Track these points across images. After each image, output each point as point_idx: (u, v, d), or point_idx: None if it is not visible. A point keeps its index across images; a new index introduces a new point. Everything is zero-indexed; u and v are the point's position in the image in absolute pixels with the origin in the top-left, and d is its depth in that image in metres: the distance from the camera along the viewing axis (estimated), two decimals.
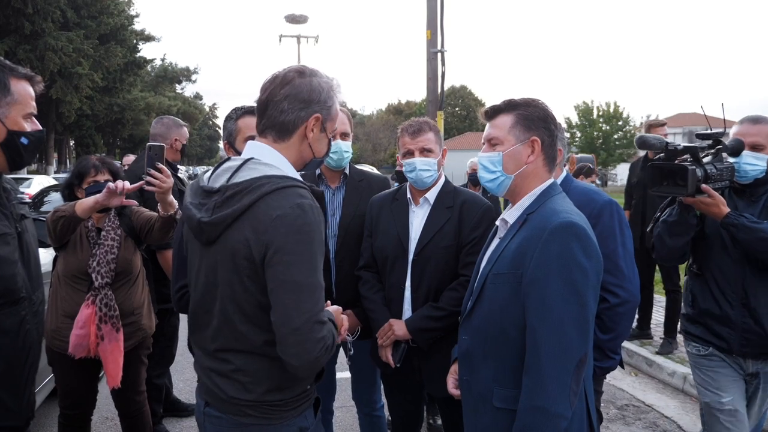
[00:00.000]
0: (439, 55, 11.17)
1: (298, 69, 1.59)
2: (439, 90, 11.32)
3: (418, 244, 2.37)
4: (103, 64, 29.61)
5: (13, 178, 19.40)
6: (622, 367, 2.47)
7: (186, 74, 54.93)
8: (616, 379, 4.91)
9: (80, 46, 27.44)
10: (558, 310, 1.50)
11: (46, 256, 3.08)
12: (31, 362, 1.74)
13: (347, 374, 2.89)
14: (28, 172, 26.89)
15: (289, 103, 1.54)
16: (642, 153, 5.88)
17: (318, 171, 2.66)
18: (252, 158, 1.54)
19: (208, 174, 1.61)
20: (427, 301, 2.35)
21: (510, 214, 1.75)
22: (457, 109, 66.89)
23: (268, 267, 1.40)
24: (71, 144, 40.97)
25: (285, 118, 1.54)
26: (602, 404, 4.39)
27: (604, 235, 2.13)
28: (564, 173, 2.34)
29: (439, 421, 3.42)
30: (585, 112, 44.83)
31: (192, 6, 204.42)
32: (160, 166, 2.40)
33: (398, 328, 2.36)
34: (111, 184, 2.39)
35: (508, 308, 1.61)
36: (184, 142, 3.65)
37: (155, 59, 44.52)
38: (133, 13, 35.95)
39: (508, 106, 1.73)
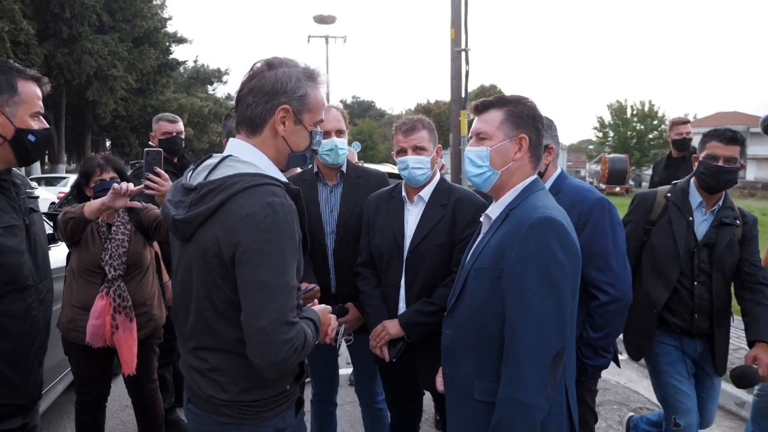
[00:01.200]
0: (463, 53, 11.15)
1: (268, 61, 1.55)
2: (463, 89, 11.32)
3: (412, 242, 2.40)
4: (137, 66, 30.35)
5: (51, 178, 20.08)
6: (617, 365, 2.45)
7: (217, 75, 55.74)
8: (632, 381, 4.85)
9: (115, 49, 28.20)
10: (536, 304, 1.52)
11: (60, 252, 3.23)
12: (37, 346, 1.84)
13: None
14: (66, 172, 27.79)
15: (254, 97, 1.51)
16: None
17: (315, 169, 2.71)
18: (230, 155, 1.53)
19: (191, 171, 1.61)
20: (420, 297, 2.37)
21: (493, 210, 1.78)
22: None
23: (237, 266, 1.39)
24: (108, 144, 42.10)
25: (251, 112, 1.52)
26: (614, 406, 4.35)
27: (595, 232, 2.13)
28: (558, 170, 2.35)
29: None
30: (618, 111, 43.96)
31: (223, 8, 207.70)
32: (158, 170, 2.48)
33: (391, 327, 2.38)
34: (116, 185, 2.48)
35: (488, 303, 1.64)
36: (161, 137, 3.67)
37: (187, 61, 45.36)
38: (166, 15, 36.78)
39: (499, 102, 1.76)
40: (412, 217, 2.46)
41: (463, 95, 11.30)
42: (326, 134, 2.56)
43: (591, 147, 60.10)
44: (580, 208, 2.16)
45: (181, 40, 39.48)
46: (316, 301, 1.80)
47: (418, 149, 2.38)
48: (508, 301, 1.57)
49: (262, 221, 1.37)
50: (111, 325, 2.69)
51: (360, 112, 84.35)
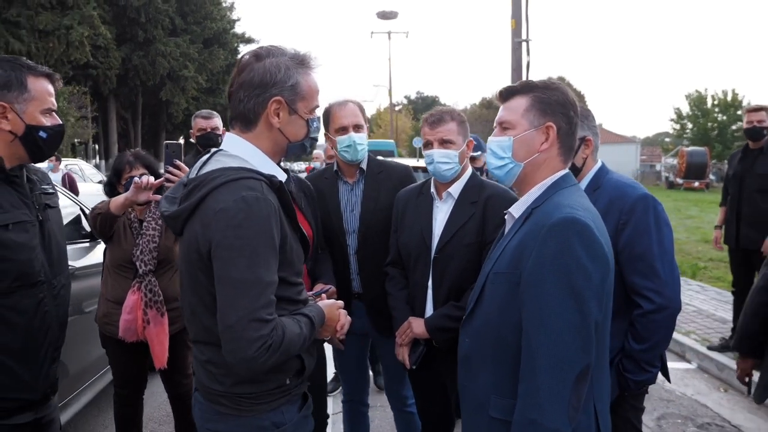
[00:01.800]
0: (524, 44, 10.83)
1: (255, 52, 1.54)
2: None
3: (440, 240, 2.27)
4: (207, 67, 31.60)
5: None
6: (667, 379, 2.19)
7: None
8: (701, 393, 4.46)
9: (186, 51, 29.45)
10: (555, 315, 1.34)
11: (99, 249, 3.31)
12: (49, 341, 1.83)
13: None
14: None
15: (245, 91, 1.50)
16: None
17: (335, 166, 2.62)
18: (221, 150, 1.53)
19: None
20: (448, 300, 2.24)
21: (516, 208, 1.61)
22: None
23: (213, 261, 1.39)
24: (182, 142, 44.09)
25: (244, 107, 1.51)
26: (678, 420, 4.01)
27: (637, 232, 1.91)
28: (599, 164, 2.13)
29: None
30: (698, 101, 41.45)
31: (288, 7, 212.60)
32: (178, 163, 2.46)
33: (417, 326, 2.28)
34: (137, 179, 2.49)
35: (506, 311, 1.47)
36: (198, 134, 3.78)
37: None
38: (234, 17, 37.99)
39: (525, 88, 1.58)
40: (441, 214, 2.32)
41: None
42: (343, 130, 2.47)
43: (667, 140, 56.91)
44: (620, 205, 1.95)
45: (248, 41, 40.63)
46: (323, 296, 1.77)
47: (445, 142, 2.24)
48: (525, 310, 1.40)
49: (234, 216, 1.36)
50: (143, 320, 2.70)
51: (424, 107, 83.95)
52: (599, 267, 1.37)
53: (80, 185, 11.33)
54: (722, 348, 4.93)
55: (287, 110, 1.51)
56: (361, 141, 2.47)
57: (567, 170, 1.59)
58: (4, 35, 20.65)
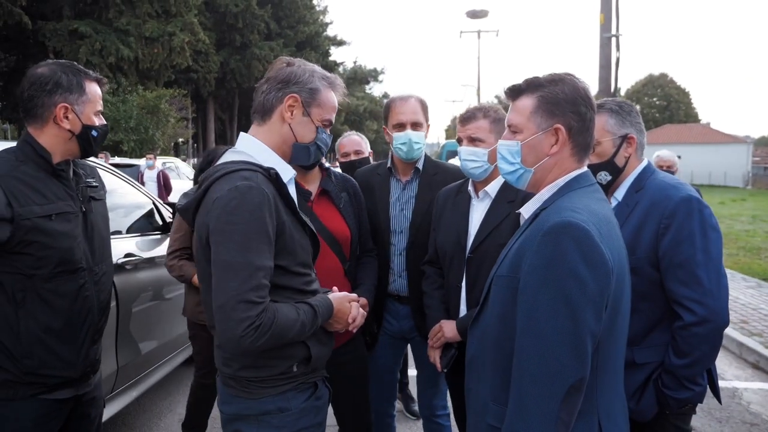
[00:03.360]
0: (614, 40, 10.33)
1: (289, 60, 1.67)
2: (613, 78, 10.52)
3: (474, 240, 2.19)
4: None
5: None
6: (717, 399, 1.97)
7: (374, 75, 57.99)
8: None
9: (280, 54, 30.58)
10: (545, 324, 1.26)
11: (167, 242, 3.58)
12: (89, 324, 1.96)
13: None
14: None
15: (269, 84, 1.64)
16: None
17: (389, 163, 2.58)
18: (231, 148, 1.66)
19: None
20: None
21: (527, 209, 1.53)
22: (655, 99, 60.85)
23: (210, 247, 1.49)
24: None
25: (264, 98, 1.64)
26: None
27: (679, 238, 1.74)
28: (644, 163, 1.96)
29: None
30: None
31: (378, 9, 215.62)
32: None
33: (448, 330, 2.20)
34: None
35: (506, 316, 1.39)
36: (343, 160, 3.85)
37: (344, 62, 47.88)
38: (327, 20, 39.11)
39: (530, 86, 1.49)
40: (477, 213, 2.24)
41: (613, 85, 10.52)
42: (401, 126, 2.43)
43: None
44: (661, 209, 1.78)
45: (340, 43, 41.63)
46: (335, 288, 1.81)
47: (474, 140, 2.17)
48: (518, 317, 1.32)
49: (228, 204, 1.45)
50: None
51: None
52: (597, 275, 1.26)
53: (175, 182, 12.11)
54: None
55: (301, 110, 1.64)
56: (418, 140, 2.42)
57: (584, 169, 1.48)
58: (115, 43, 22.53)
